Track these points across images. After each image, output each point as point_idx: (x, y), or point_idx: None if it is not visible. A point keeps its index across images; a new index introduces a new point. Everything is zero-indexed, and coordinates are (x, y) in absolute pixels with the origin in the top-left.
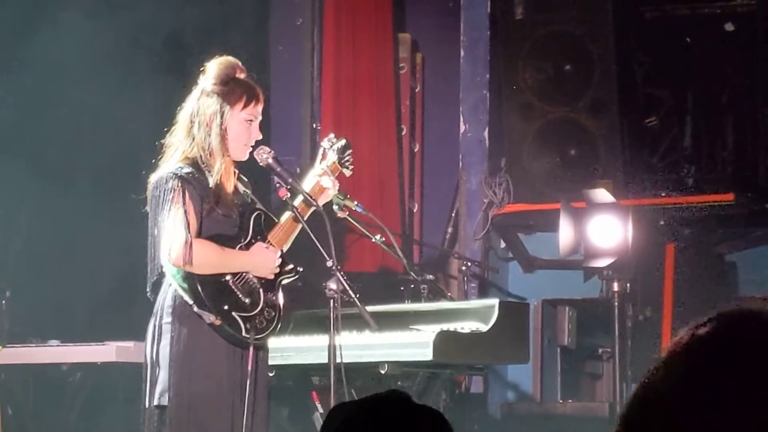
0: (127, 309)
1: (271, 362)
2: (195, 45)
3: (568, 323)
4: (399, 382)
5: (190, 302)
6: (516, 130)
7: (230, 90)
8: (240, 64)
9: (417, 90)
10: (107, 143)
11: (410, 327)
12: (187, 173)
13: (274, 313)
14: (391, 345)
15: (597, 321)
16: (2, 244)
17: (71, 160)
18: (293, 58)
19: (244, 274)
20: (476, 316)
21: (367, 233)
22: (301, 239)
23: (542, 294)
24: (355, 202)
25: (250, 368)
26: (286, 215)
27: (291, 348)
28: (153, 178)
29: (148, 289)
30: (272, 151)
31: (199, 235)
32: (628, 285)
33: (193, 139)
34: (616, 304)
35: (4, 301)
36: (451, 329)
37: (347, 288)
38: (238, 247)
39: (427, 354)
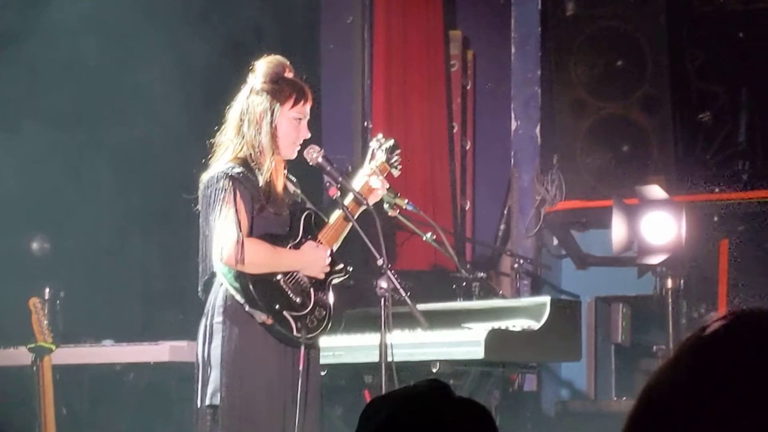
0: (180, 308)
1: (322, 361)
2: (246, 45)
3: (621, 320)
4: (451, 381)
5: (242, 301)
6: (568, 127)
7: (280, 88)
8: (288, 63)
9: (468, 87)
10: (158, 143)
11: (462, 325)
12: (238, 173)
13: (324, 313)
14: (443, 343)
15: (651, 318)
16: (56, 244)
17: (123, 161)
18: (344, 57)
19: (294, 273)
20: (528, 313)
21: (418, 231)
22: (352, 238)
23: (595, 291)
24: (406, 200)
25: (301, 368)
26: (336, 214)
27: (342, 347)
28: (204, 178)
29: (199, 289)
30: (322, 150)
31: (250, 234)
32: (682, 282)
33: (243, 137)
34: (670, 301)
35: (58, 302)
36: (503, 327)
37: (398, 286)
38: (289, 246)
39: (478, 352)
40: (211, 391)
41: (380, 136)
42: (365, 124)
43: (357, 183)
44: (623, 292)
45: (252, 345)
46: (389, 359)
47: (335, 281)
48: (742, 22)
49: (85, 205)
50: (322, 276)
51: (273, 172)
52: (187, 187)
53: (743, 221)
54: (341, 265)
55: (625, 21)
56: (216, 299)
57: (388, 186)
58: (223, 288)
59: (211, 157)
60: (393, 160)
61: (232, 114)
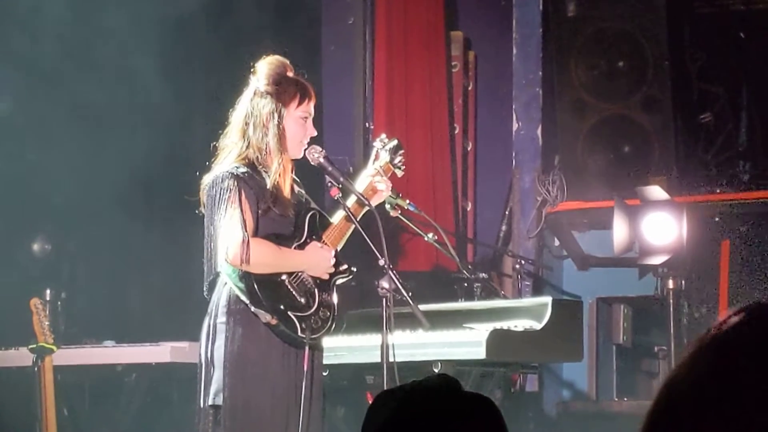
0: (181, 309)
1: (324, 361)
2: (247, 47)
3: (623, 321)
4: None
5: (246, 301)
6: (569, 128)
7: (283, 89)
8: (288, 62)
9: (470, 88)
10: (160, 145)
11: (463, 325)
12: (243, 173)
13: (329, 313)
14: (444, 344)
15: (652, 319)
16: (57, 246)
17: (124, 162)
18: (345, 58)
19: (299, 273)
20: (529, 314)
21: (420, 232)
22: (354, 239)
23: (597, 292)
24: (408, 201)
25: (305, 368)
26: (340, 215)
27: (344, 347)
28: (208, 179)
29: (204, 289)
30: (323, 151)
31: (255, 234)
32: (684, 282)
33: (248, 140)
34: (671, 301)
35: (59, 303)
36: (504, 328)
37: (399, 286)
38: (294, 246)
39: (480, 352)
40: (213, 391)
41: (383, 136)
42: (366, 125)
43: (361, 183)
44: (624, 292)
45: (256, 345)
46: (391, 360)
47: (339, 282)
48: (743, 22)
49: (85, 206)
50: (326, 276)
51: (281, 173)
52: (189, 189)
53: (744, 222)
54: (345, 266)
55: (626, 22)
56: (220, 299)
57: (390, 186)
58: (227, 288)
59: (214, 161)
60: (397, 161)
61: (236, 117)
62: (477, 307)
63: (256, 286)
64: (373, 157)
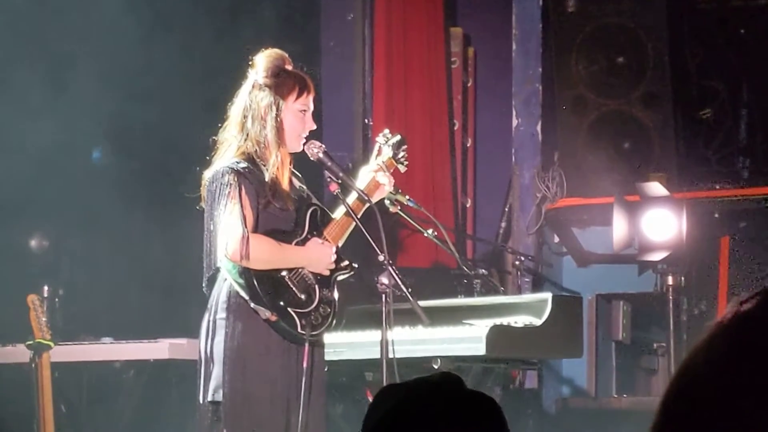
0: (179, 306)
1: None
2: (245, 42)
3: (622, 318)
4: None
5: (246, 298)
6: (569, 124)
7: (282, 82)
8: (287, 55)
9: (469, 84)
10: (158, 141)
11: (463, 321)
12: (243, 168)
13: (329, 310)
14: (444, 340)
15: (652, 315)
16: (55, 242)
17: (122, 156)
18: (344, 54)
19: (299, 269)
20: (529, 310)
21: (420, 228)
22: (353, 234)
23: (596, 288)
24: (407, 197)
25: (305, 365)
26: (341, 210)
27: (343, 343)
28: (208, 174)
29: (203, 284)
30: (323, 146)
31: (255, 229)
32: (683, 279)
33: (247, 133)
34: (670, 298)
35: (57, 299)
36: (504, 323)
37: (399, 282)
38: (295, 242)
39: (480, 348)
40: (213, 387)
41: (387, 131)
42: (366, 121)
43: (363, 179)
44: (624, 289)
45: (255, 341)
46: (390, 356)
47: (340, 278)
48: (743, 18)
49: (83, 203)
50: (327, 273)
51: (279, 167)
52: (187, 184)
53: (744, 218)
54: (346, 262)
55: (626, 18)
56: (220, 295)
57: (393, 181)
58: (227, 283)
59: (213, 155)
60: (400, 156)
61: (235, 111)
62: (477, 303)
63: (255, 282)
64: (375, 152)
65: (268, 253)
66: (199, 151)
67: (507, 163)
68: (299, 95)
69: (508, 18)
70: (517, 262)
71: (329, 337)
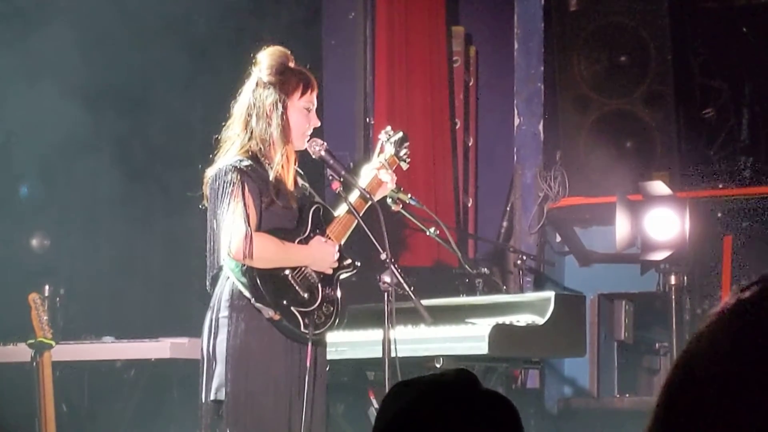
0: (181, 305)
1: None
2: (247, 41)
3: (624, 317)
4: None
5: (249, 296)
6: (571, 123)
7: (286, 79)
8: (289, 52)
9: (471, 83)
10: (160, 138)
11: (465, 320)
12: (246, 166)
13: (332, 308)
14: (447, 339)
15: (654, 315)
16: (56, 241)
17: (124, 155)
18: (346, 53)
19: (303, 268)
20: (532, 309)
21: (422, 226)
22: (355, 233)
23: (599, 288)
24: (409, 195)
25: (309, 364)
26: (343, 209)
27: (345, 342)
28: (211, 172)
29: (207, 283)
30: (325, 144)
31: (258, 228)
32: (686, 278)
33: (251, 132)
34: (673, 297)
35: (58, 299)
36: (507, 322)
37: (401, 281)
38: (298, 240)
39: (482, 347)
40: (215, 386)
41: (389, 128)
42: (367, 120)
43: (366, 176)
44: (626, 288)
45: (258, 340)
46: (392, 355)
47: (343, 277)
48: (746, 17)
49: (84, 202)
50: (330, 271)
51: (284, 165)
52: (190, 182)
53: (747, 217)
54: (349, 261)
55: (628, 17)
56: (222, 293)
57: (395, 179)
58: (229, 282)
59: (217, 153)
60: (402, 153)
61: (238, 109)
62: (479, 302)
63: (258, 281)
64: (378, 149)
65: (271, 252)
66: (201, 150)
67: (509, 162)
68: (303, 92)
69: (510, 17)
70: (518, 262)
71: (331, 336)
